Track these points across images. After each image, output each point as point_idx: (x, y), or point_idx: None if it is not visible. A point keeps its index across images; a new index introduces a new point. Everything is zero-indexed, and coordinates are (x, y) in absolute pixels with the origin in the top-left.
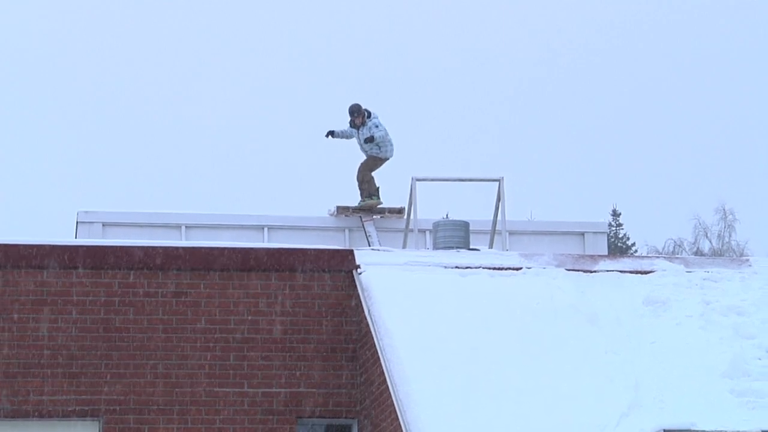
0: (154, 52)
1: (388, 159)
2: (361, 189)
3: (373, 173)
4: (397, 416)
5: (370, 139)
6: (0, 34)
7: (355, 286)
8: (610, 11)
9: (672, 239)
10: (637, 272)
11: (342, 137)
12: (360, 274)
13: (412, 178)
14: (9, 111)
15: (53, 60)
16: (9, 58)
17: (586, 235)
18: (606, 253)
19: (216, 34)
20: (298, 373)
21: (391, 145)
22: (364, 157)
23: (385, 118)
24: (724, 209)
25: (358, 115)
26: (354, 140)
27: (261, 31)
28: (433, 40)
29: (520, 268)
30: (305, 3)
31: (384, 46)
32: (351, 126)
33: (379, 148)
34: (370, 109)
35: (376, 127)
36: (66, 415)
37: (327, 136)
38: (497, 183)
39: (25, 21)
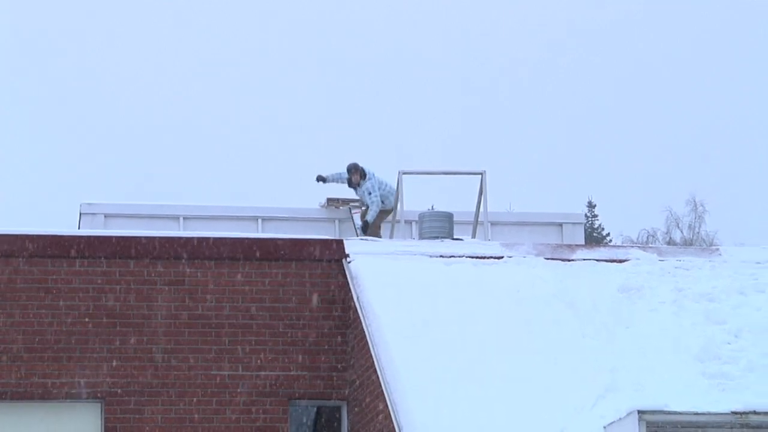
0: (155, 48)
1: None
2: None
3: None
4: (384, 398)
5: (364, 228)
6: (10, 30)
7: (345, 274)
8: (585, 7)
9: (645, 229)
10: (612, 261)
11: (334, 182)
12: (349, 262)
13: (399, 172)
14: (16, 108)
15: (57, 60)
16: (15, 54)
17: (563, 225)
18: (583, 242)
19: (213, 31)
20: (290, 357)
21: (392, 195)
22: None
23: (372, 112)
24: (694, 201)
25: (355, 172)
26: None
27: (256, 26)
28: (416, 34)
29: (502, 257)
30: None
31: (371, 39)
32: (349, 184)
33: (383, 203)
34: (366, 169)
35: (369, 194)
36: (69, 397)
37: (318, 181)
38: (480, 176)
39: (28, 15)
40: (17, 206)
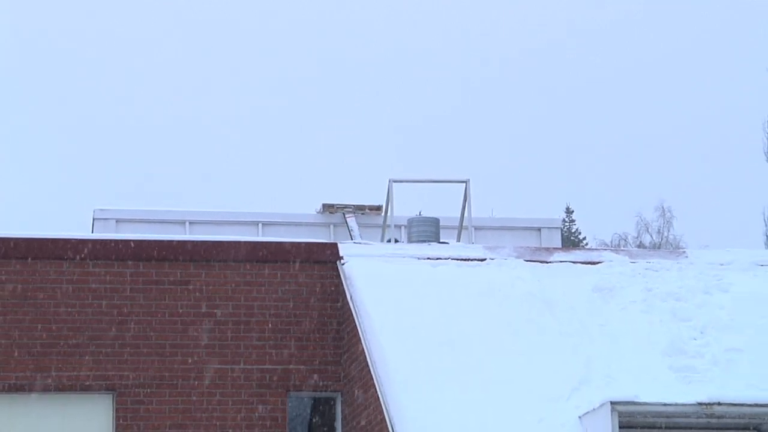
0: (167, 63)
1: None
2: None
3: None
4: (376, 389)
5: None
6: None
7: (339, 275)
8: (558, 15)
9: (617, 234)
10: (587, 263)
11: None
12: (343, 264)
13: (390, 180)
14: (36, 121)
15: (62, 66)
16: (27, 64)
17: (542, 230)
18: (560, 245)
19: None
20: (288, 351)
21: None
22: None
23: (361, 122)
24: (663, 207)
25: None
26: None
27: (252, 32)
28: (401, 41)
29: (485, 259)
30: (296, 5)
31: (364, 44)
32: None
33: None
34: None
35: None
36: (84, 389)
37: None
38: (464, 184)
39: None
40: (37, 212)
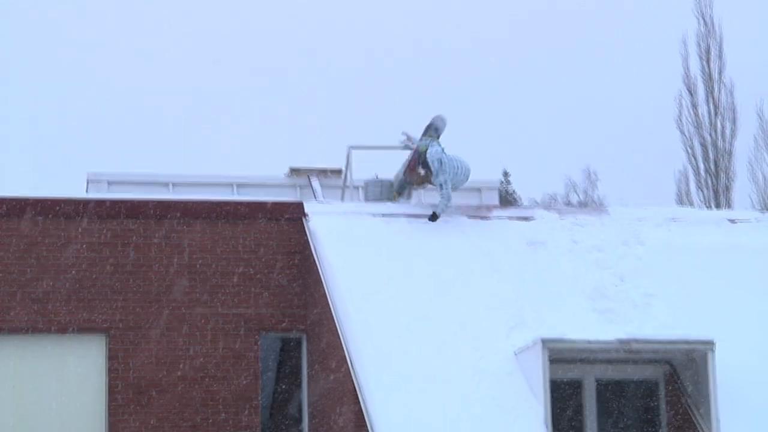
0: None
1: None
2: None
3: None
4: (336, 330)
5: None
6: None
7: (304, 230)
8: None
9: (548, 193)
10: (521, 219)
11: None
12: (308, 221)
13: (348, 147)
14: (34, 91)
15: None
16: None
17: (482, 190)
18: (498, 204)
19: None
20: (260, 298)
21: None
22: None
23: (325, 95)
24: (588, 170)
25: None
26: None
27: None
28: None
29: None
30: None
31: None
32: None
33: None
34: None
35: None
36: (80, 331)
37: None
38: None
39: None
40: (36, 175)
